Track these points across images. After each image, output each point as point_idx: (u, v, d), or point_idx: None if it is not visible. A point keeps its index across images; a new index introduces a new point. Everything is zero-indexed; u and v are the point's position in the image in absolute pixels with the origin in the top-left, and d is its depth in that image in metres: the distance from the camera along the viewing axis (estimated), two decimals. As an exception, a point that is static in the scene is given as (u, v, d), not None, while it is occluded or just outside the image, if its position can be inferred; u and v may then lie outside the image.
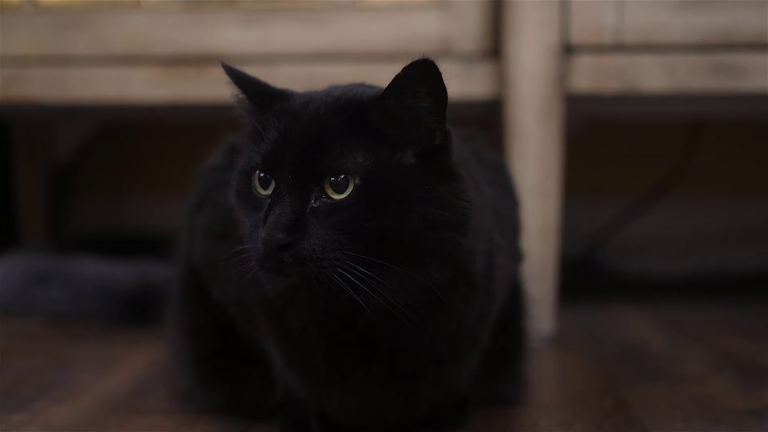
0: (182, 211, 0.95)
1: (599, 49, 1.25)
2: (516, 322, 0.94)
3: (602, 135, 1.82)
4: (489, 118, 1.38)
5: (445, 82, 0.70)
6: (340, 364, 0.76)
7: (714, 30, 1.25)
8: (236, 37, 1.30)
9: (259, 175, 0.72)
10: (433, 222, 0.70)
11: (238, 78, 0.76)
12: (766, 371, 1.09)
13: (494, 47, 1.27)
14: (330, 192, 0.69)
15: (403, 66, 0.68)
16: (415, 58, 0.68)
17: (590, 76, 1.25)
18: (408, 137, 0.71)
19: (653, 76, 1.24)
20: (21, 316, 1.39)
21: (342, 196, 0.69)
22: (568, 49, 1.24)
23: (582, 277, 1.81)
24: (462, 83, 1.25)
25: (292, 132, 0.71)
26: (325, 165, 0.69)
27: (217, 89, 1.28)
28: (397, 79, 0.69)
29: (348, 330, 0.75)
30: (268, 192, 0.71)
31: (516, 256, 0.94)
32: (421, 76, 0.69)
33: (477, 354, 0.82)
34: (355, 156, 0.69)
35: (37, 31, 1.34)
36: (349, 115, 0.71)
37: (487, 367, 0.85)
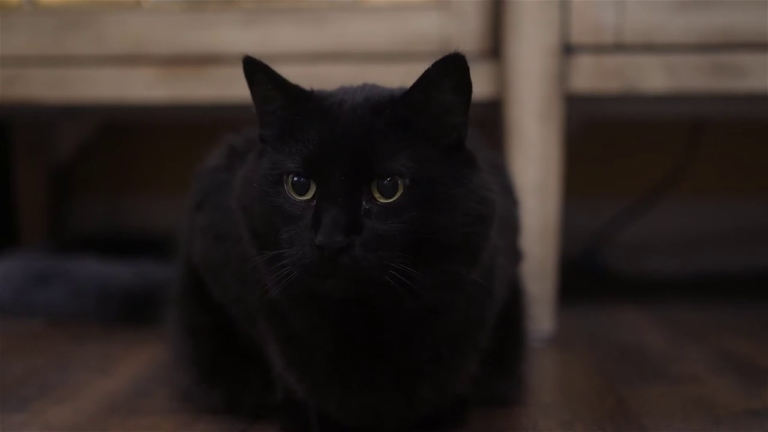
0: (182, 211, 0.95)
1: (599, 49, 1.25)
2: (516, 322, 0.94)
3: (602, 135, 1.82)
4: (489, 118, 1.38)
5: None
6: (342, 365, 0.76)
7: (714, 30, 1.24)
8: (236, 37, 1.30)
9: (294, 179, 0.71)
10: (471, 216, 0.71)
11: (263, 72, 0.73)
12: (766, 371, 1.09)
13: (494, 47, 1.27)
14: (378, 195, 0.69)
15: (434, 61, 0.69)
16: (447, 53, 0.69)
17: (590, 76, 1.25)
18: (440, 133, 0.72)
19: (653, 76, 1.24)
20: (21, 316, 1.39)
21: (392, 199, 0.69)
22: (568, 49, 1.24)
23: (582, 277, 1.81)
24: (462, 83, 1.25)
25: (335, 134, 0.70)
26: (376, 167, 0.69)
27: (217, 89, 1.31)
28: (428, 73, 0.70)
29: (356, 332, 0.75)
30: (306, 197, 0.70)
31: (515, 255, 0.94)
32: (451, 69, 0.70)
33: (477, 355, 0.82)
34: (402, 157, 0.70)
35: (37, 31, 1.34)
36: (389, 116, 0.71)
37: (487, 367, 0.85)
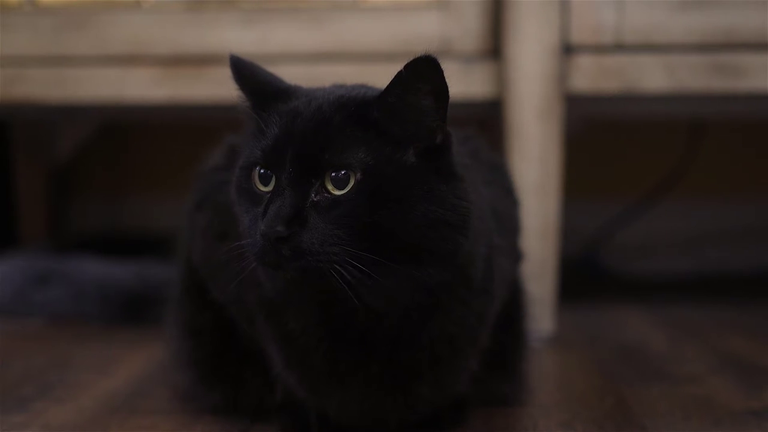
0: (182, 211, 0.95)
1: (599, 49, 1.25)
2: (516, 322, 0.94)
3: (602, 135, 1.82)
4: (489, 118, 1.38)
5: (447, 80, 0.70)
6: (339, 365, 0.76)
7: (714, 30, 1.24)
8: (236, 37, 1.30)
9: (260, 170, 0.72)
10: (434, 221, 0.70)
11: (244, 71, 0.76)
12: (766, 371, 1.09)
13: (494, 47, 1.27)
14: (330, 187, 0.69)
15: (405, 63, 0.68)
16: (417, 55, 0.68)
17: (590, 76, 1.25)
18: (409, 135, 0.71)
19: (653, 76, 1.25)
20: (21, 316, 1.39)
21: (342, 192, 0.69)
22: (568, 49, 1.24)
23: (582, 277, 1.81)
24: (462, 83, 1.25)
25: (293, 127, 0.71)
26: (326, 159, 0.69)
27: (217, 89, 1.31)
28: (400, 76, 0.69)
29: (347, 330, 0.75)
30: (269, 188, 0.71)
31: (515, 255, 0.94)
32: (423, 73, 0.69)
33: (476, 355, 0.82)
34: (357, 152, 0.69)
35: (37, 31, 1.34)
36: (351, 112, 0.71)
37: (487, 367, 0.85)
